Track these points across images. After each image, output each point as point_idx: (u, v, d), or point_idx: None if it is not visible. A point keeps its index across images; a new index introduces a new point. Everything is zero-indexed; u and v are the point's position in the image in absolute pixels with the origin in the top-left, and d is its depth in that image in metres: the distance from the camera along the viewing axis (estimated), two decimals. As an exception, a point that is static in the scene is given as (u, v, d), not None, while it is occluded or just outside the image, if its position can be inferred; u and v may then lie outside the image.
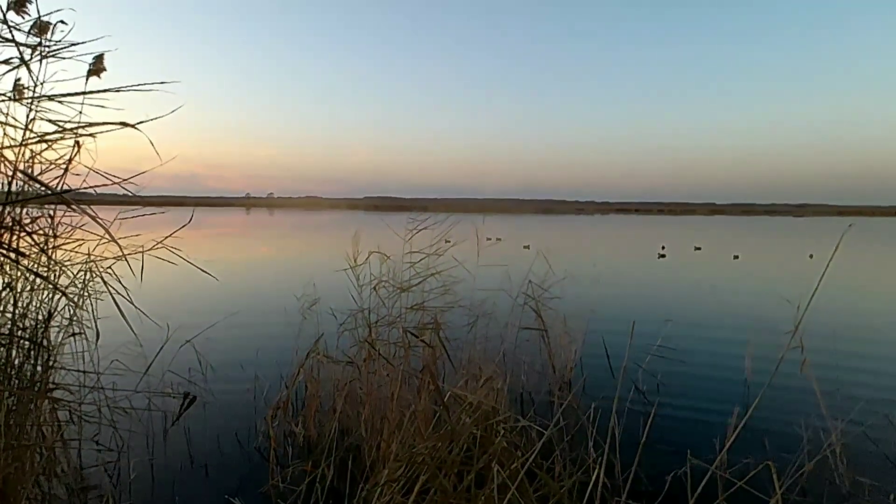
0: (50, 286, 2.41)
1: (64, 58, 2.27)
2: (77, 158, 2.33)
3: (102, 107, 2.17)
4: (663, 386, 4.42)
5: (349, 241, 3.60)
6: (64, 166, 2.35)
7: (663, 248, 19.78)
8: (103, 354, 3.06)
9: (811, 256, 16.68)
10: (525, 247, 17.85)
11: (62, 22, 2.29)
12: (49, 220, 2.49)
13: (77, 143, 2.28)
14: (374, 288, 3.35)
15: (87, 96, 2.15)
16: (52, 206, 2.50)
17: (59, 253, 2.53)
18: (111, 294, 2.44)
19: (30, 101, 2.21)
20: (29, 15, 2.27)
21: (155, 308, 2.76)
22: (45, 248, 2.40)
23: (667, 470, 2.73)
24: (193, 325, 4.35)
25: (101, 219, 1.89)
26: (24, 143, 2.19)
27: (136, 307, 2.40)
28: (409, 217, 3.57)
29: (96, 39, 2.29)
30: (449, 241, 3.62)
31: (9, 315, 2.30)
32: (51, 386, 2.58)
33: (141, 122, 1.87)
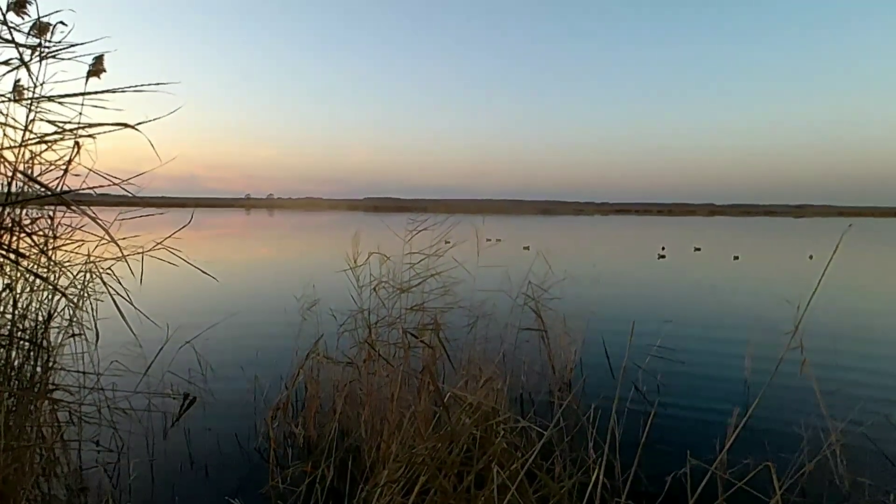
0: (50, 287, 2.41)
1: (64, 59, 2.28)
2: (77, 159, 2.33)
3: (102, 108, 2.18)
4: (663, 386, 4.41)
5: (349, 242, 3.60)
6: (64, 167, 2.35)
7: (663, 248, 19.78)
8: (103, 355, 3.06)
9: (811, 257, 16.69)
10: (525, 247, 17.84)
11: (62, 23, 2.29)
12: (49, 220, 2.49)
13: (77, 143, 2.28)
14: (374, 289, 3.35)
15: (86, 97, 2.14)
16: (52, 207, 2.50)
17: (59, 254, 2.53)
18: (111, 295, 2.45)
19: (29, 101, 2.21)
20: (29, 16, 2.28)
21: (155, 309, 2.76)
22: (45, 248, 2.40)
23: (667, 470, 2.72)
24: (193, 325, 4.35)
25: (100, 220, 1.89)
26: (23, 143, 2.20)
27: (135, 308, 2.41)
28: (408, 218, 3.57)
29: (96, 40, 2.30)
30: (449, 242, 3.62)
31: (9, 316, 2.30)
32: (51, 387, 2.58)
33: (140, 123, 1.87)
